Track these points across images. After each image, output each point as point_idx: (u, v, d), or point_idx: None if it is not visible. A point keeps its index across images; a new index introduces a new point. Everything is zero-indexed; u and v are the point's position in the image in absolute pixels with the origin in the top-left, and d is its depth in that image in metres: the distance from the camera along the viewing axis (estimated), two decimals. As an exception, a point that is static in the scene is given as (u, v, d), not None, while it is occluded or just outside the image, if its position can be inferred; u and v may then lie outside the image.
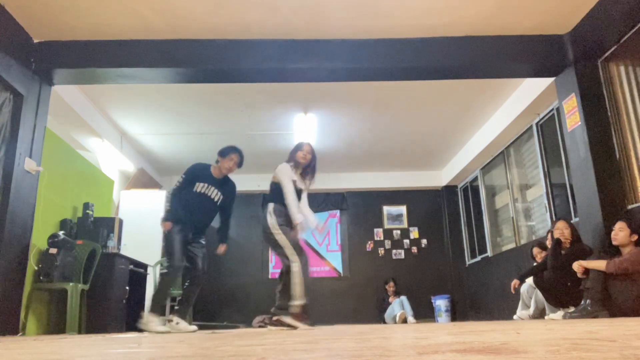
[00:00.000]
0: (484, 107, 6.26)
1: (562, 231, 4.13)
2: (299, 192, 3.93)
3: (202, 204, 4.01)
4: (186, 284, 4.04)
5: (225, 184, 4.16)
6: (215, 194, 4.07)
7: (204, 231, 4.11)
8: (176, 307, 3.99)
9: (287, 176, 3.87)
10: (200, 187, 4.01)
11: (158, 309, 3.86)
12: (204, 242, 4.10)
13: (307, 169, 4.05)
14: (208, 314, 7.80)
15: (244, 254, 8.36)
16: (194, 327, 3.98)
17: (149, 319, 3.76)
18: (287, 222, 3.78)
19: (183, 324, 3.85)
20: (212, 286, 8.04)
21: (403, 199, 8.90)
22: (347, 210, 8.89)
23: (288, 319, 3.56)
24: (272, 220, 3.76)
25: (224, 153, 4.09)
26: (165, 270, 4.01)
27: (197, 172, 4.06)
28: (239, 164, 4.15)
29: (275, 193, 3.87)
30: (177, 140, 7.04)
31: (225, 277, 8.36)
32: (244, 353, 1.27)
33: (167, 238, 3.93)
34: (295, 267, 3.62)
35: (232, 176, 4.26)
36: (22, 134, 4.02)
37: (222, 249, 4.17)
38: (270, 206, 3.82)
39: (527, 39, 4.50)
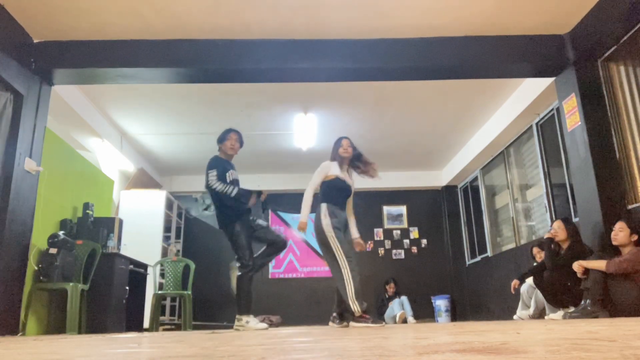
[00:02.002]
0: (484, 107, 6.26)
1: (555, 231, 4.13)
2: (347, 189, 3.91)
3: (239, 188, 4.04)
4: (237, 273, 3.96)
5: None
6: (237, 174, 4.16)
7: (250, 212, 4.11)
8: (237, 304, 3.92)
9: (320, 172, 3.90)
10: (230, 175, 4.03)
11: (250, 307, 3.83)
12: (256, 219, 4.08)
13: (357, 163, 4.02)
14: (208, 314, 7.80)
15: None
16: (265, 325, 3.92)
17: (248, 319, 3.75)
18: (339, 224, 3.73)
19: (253, 322, 3.83)
20: (212, 286, 8.04)
21: (403, 199, 8.90)
22: (347, 210, 8.88)
23: (354, 323, 3.61)
24: (326, 221, 3.69)
25: (222, 138, 4.15)
26: (240, 273, 3.91)
27: (222, 164, 4.06)
28: (240, 141, 4.19)
29: (326, 192, 3.85)
30: (177, 140, 7.04)
31: (225, 277, 8.35)
32: (244, 353, 1.27)
33: (234, 238, 3.89)
34: (345, 273, 3.57)
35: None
36: (22, 134, 4.02)
37: (263, 196, 4.21)
38: (323, 207, 3.77)
39: (527, 39, 4.50)
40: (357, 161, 4.03)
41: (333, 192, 3.85)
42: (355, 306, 3.57)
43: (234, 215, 3.95)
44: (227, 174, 4.01)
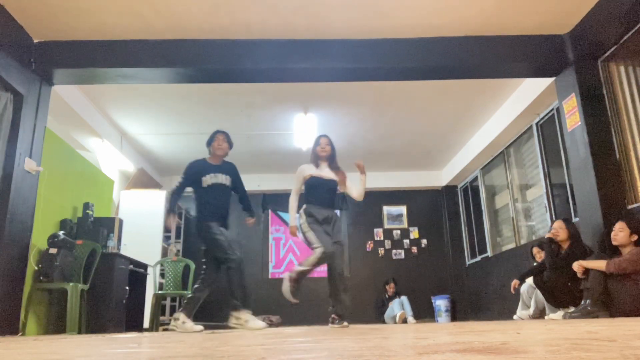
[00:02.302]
0: (484, 107, 6.26)
1: (556, 230, 4.12)
2: (325, 184, 3.96)
3: (219, 194, 4.02)
4: (195, 286, 3.95)
5: (226, 167, 4.18)
6: (224, 178, 4.08)
7: (228, 219, 4.12)
8: (184, 304, 3.91)
9: (297, 177, 4.01)
10: (208, 179, 4.01)
11: (248, 303, 3.80)
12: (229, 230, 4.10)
13: (331, 164, 4.10)
14: (208, 314, 7.79)
15: (244, 254, 8.32)
16: (200, 327, 3.84)
17: (247, 317, 3.70)
18: (316, 221, 3.81)
19: (189, 324, 3.76)
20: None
21: (403, 199, 8.90)
22: (347, 210, 8.88)
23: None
24: (301, 220, 3.85)
25: (209, 141, 4.16)
26: (229, 265, 3.84)
27: (198, 169, 4.06)
28: (229, 142, 4.17)
29: (305, 194, 3.99)
30: (177, 140, 7.04)
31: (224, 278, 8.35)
32: (244, 353, 1.27)
33: (211, 237, 3.86)
34: (317, 252, 3.69)
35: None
36: (22, 134, 4.02)
37: (251, 220, 4.27)
38: (302, 208, 3.92)
39: (527, 39, 4.50)
40: (331, 162, 4.10)
41: (311, 192, 3.95)
42: (287, 294, 3.71)
43: (209, 216, 3.95)
44: (204, 179, 3.99)
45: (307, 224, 3.81)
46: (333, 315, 3.84)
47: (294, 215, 3.94)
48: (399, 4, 4.04)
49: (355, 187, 4.18)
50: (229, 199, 4.15)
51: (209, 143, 4.15)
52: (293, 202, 4.00)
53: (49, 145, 4.51)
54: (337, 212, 4.13)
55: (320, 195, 3.94)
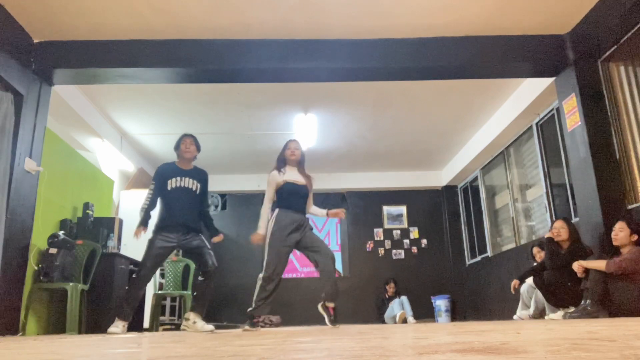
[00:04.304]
0: (484, 107, 6.26)
1: (558, 230, 4.12)
2: (294, 190, 3.88)
3: (183, 198, 3.86)
4: (199, 279, 3.96)
5: (196, 172, 4.04)
6: (191, 183, 3.94)
7: (196, 226, 3.93)
8: (193, 304, 3.93)
9: (269, 184, 3.94)
10: (173, 182, 3.89)
11: (125, 311, 3.72)
12: (202, 237, 3.95)
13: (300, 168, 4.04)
14: (208, 314, 7.78)
15: (244, 254, 8.35)
16: (211, 327, 3.86)
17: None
18: (284, 228, 3.74)
19: (200, 323, 3.80)
20: (212, 286, 8.04)
21: (403, 199, 8.90)
22: (347, 210, 8.89)
23: (246, 326, 3.71)
24: (269, 225, 3.79)
25: (176, 144, 4.07)
26: (134, 275, 3.82)
27: (164, 172, 3.95)
28: (196, 145, 4.06)
29: (276, 199, 3.92)
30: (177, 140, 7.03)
31: (225, 277, 8.34)
32: (244, 353, 1.27)
33: (148, 245, 3.79)
34: (258, 281, 3.69)
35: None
36: (22, 134, 4.02)
37: (218, 239, 4.08)
38: (275, 212, 3.87)
39: (527, 39, 4.50)
40: (301, 167, 4.03)
41: (285, 197, 3.86)
42: (254, 309, 3.65)
43: (161, 226, 3.87)
44: (169, 182, 3.89)
45: (271, 234, 3.73)
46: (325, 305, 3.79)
47: (264, 224, 3.80)
48: (399, 4, 4.04)
49: (312, 205, 4.08)
50: (196, 206, 3.96)
51: (177, 147, 4.05)
52: (265, 209, 3.86)
53: (49, 145, 4.51)
54: (309, 216, 3.99)
55: (296, 201, 3.87)
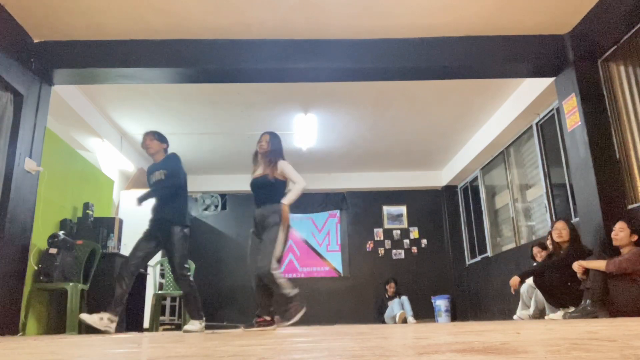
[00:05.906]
0: (484, 107, 6.26)
1: (560, 232, 4.12)
2: (257, 182, 3.76)
3: (157, 192, 3.92)
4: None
5: (164, 161, 4.00)
6: (159, 173, 3.92)
7: (171, 218, 3.85)
8: (185, 309, 4.01)
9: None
10: (151, 179, 3.97)
11: (114, 305, 3.73)
12: (176, 237, 3.84)
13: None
14: (208, 314, 7.79)
15: (244, 254, 8.35)
16: (195, 327, 3.88)
17: (92, 319, 3.60)
18: (253, 228, 3.79)
19: (188, 325, 3.87)
20: (212, 286, 8.04)
21: (403, 199, 8.90)
22: (347, 210, 8.89)
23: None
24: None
25: (142, 144, 4.10)
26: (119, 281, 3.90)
27: (148, 171, 4.06)
28: (158, 138, 4.02)
29: None
30: (177, 140, 7.02)
31: (225, 277, 8.36)
32: (244, 353, 1.27)
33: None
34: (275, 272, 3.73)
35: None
36: (22, 134, 4.02)
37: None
38: None
39: (527, 39, 4.50)
40: (266, 157, 3.80)
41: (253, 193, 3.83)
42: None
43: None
44: (150, 180, 3.98)
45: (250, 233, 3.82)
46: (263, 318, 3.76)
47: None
48: (399, 4, 4.04)
49: (291, 189, 3.77)
50: (165, 191, 3.87)
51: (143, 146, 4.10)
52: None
53: (49, 145, 4.50)
54: (273, 205, 3.66)
55: (256, 195, 3.77)
